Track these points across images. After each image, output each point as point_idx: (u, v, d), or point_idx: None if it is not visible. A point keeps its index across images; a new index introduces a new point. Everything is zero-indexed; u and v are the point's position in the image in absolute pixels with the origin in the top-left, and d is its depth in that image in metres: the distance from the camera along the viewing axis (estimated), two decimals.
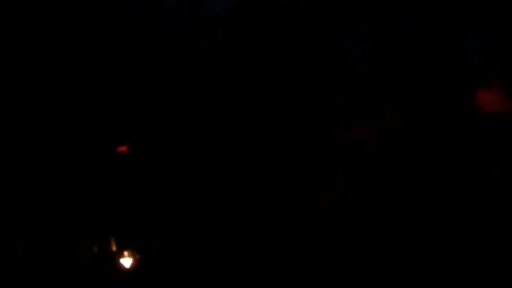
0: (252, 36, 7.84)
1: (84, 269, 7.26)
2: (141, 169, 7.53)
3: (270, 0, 7.75)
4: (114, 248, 7.33)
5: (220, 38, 7.77)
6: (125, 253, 7.31)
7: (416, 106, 7.77)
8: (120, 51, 7.62)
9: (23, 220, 7.39)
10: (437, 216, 7.65)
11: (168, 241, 7.38)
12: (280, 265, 7.46)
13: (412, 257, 7.53)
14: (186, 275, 7.35)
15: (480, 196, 7.65)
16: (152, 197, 7.46)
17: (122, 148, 7.49)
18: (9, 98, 7.57)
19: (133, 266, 7.31)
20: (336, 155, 7.74)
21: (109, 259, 7.30)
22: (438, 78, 7.82)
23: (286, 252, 7.48)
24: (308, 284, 7.41)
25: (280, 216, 7.57)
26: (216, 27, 7.76)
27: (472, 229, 7.56)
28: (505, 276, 7.40)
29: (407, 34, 7.86)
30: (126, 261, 7.32)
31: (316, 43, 7.86)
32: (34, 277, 7.28)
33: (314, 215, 7.60)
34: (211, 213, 7.55)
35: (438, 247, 7.54)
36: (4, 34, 7.62)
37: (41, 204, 7.42)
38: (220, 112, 7.70)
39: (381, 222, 7.63)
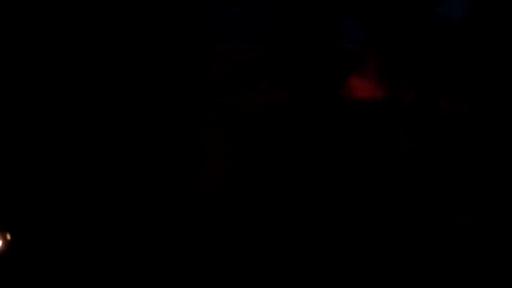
0: (124, 15, 7.67)
1: None
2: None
3: None
4: None
5: (93, 16, 7.55)
6: None
7: (289, 90, 7.78)
8: None
9: None
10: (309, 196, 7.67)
11: (44, 219, 6.98)
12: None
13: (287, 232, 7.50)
14: (66, 258, 6.97)
15: (350, 179, 7.72)
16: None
17: None
18: None
19: (2, 249, 6.82)
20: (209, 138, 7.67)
21: None
22: (311, 62, 7.87)
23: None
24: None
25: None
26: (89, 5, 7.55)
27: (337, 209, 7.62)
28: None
29: (281, 17, 7.88)
30: None
31: (190, 24, 7.77)
32: None
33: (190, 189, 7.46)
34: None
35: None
36: None
37: None
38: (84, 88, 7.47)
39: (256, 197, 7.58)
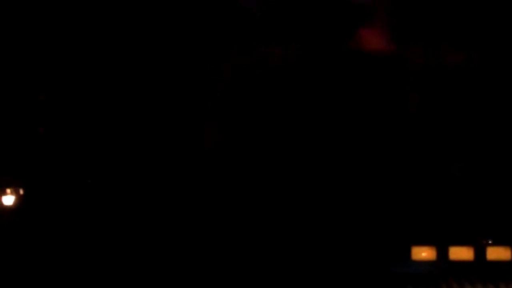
0: None
1: None
2: None
3: None
4: None
5: None
6: (8, 190, 6.95)
7: (299, 42, 7.79)
8: None
9: None
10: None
11: (54, 172, 7.10)
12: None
13: None
14: (74, 208, 7.10)
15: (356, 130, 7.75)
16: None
17: None
18: None
19: (17, 203, 6.96)
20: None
21: None
22: (321, 15, 7.85)
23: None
24: None
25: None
26: None
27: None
28: None
29: None
30: (8, 199, 6.97)
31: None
32: None
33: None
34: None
35: None
36: None
37: None
38: None
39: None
